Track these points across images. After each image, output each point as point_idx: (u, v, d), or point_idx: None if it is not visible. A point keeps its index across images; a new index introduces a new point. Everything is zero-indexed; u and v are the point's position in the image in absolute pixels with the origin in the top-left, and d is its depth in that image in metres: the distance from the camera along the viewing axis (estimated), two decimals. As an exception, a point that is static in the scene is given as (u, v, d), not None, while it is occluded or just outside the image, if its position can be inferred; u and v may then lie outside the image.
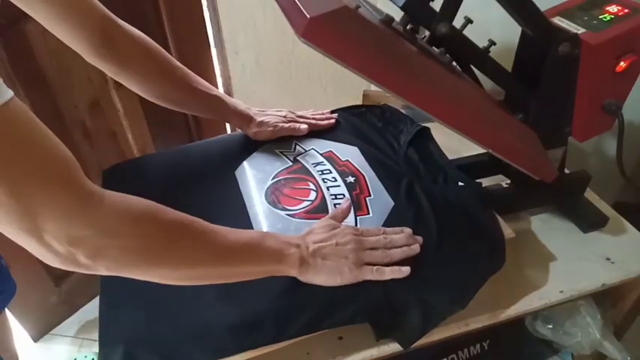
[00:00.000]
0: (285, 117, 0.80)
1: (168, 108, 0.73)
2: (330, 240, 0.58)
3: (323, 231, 0.60)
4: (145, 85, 0.69)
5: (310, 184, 0.71)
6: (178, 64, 0.71)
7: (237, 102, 0.78)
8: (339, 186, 0.70)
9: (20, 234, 0.39)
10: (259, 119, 0.78)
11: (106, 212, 0.43)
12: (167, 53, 0.70)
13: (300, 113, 0.83)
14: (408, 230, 0.63)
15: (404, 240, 0.61)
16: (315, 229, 0.60)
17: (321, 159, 0.75)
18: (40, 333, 1.02)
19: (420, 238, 0.62)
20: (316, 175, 0.72)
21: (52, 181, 0.39)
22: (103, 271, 0.44)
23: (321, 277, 0.56)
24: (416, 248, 0.61)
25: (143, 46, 0.67)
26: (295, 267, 0.55)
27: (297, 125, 0.78)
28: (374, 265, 0.58)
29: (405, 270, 0.58)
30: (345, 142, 0.79)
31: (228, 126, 1.34)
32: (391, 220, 0.65)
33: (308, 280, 0.57)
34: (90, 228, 0.41)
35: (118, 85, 0.99)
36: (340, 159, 0.75)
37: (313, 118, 0.83)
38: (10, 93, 0.37)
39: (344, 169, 0.73)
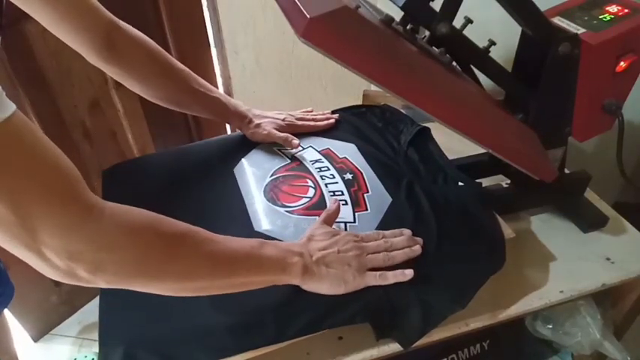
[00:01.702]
0: (284, 120, 0.80)
1: (170, 108, 0.73)
2: (332, 247, 0.58)
3: (324, 238, 0.59)
4: (146, 87, 0.70)
5: (308, 181, 0.71)
6: (180, 65, 0.72)
7: (238, 103, 0.78)
8: (337, 183, 0.70)
9: (19, 247, 0.39)
10: (257, 121, 0.78)
11: (106, 226, 0.42)
12: (168, 55, 0.70)
13: (299, 115, 0.83)
14: (407, 232, 0.63)
15: (404, 242, 0.61)
16: (316, 235, 0.60)
17: (319, 156, 0.75)
18: (40, 333, 1.02)
19: (420, 240, 0.62)
20: (314, 172, 0.72)
21: (53, 195, 0.39)
22: (104, 285, 0.44)
23: (325, 285, 0.56)
24: (417, 249, 0.60)
25: (145, 49, 0.68)
26: (298, 276, 0.55)
27: (290, 139, 0.77)
28: (377, 269, 0.58)
29: (409, 273, 0.58)
30: (342, 140, 0.79)
31: (228, 126, 1.34)
32: (389, 216, 0.65)
33: (311, 289, 0.56)
34: (89, 243, 0.41)
35: (118, 85, 0.99)
36: (338, 156, 0.75)
37: (313, 120, 0.83)
38: (12, 107, 0.37)
39: (342, 167, 0.73)
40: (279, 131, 0.78)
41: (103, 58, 0.64)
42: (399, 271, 0.58)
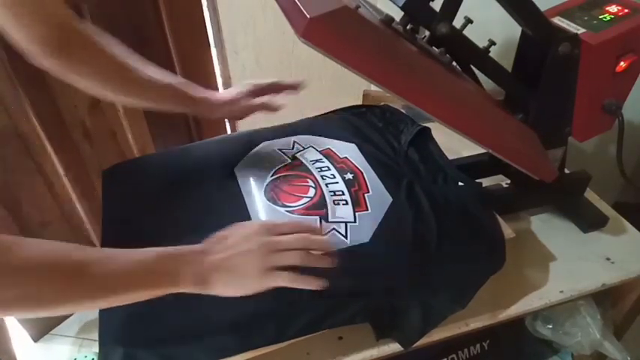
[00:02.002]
0: (243, 87, 0.76)
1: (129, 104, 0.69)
2: (233, 248, 0.53)
3: (230, 237, 0.55)
4: (96, 86, 0.65)
5: (309, 180, 0.71)
6: (129, 54, 0.66)
7: (199, 89, 0.71)
8: (337, 182, 0.70)
9: None
10: (221, 99, 0.73)
11: None
12: (119, 46, 0.65)
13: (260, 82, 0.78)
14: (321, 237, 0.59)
15: (322, 245, 0.56)
16: (220, 234, 0.56)
17: (320, 156, 0.75)
18: (40, 333, 1.02)
19: (334, 248, 0.58)
20: (315, 172, 0.72)
21: None
22: None
23: (222, 290, 0.53)
24: (332, 262, 0.55)
25: (94, 45, 0.62)
26: (190, 286, 0.52)
27: (272, 101, 0.73)
28: (288, 267, 0.54)
29: (320, 284, 0.53)
30: (343, 140, 0.79)
31: (228, 127, 1.34)
32: (390, 216, 0.65)
33: (212, 293, 0.53)
34: None
35: (118, 85, 0.99)
36: (339, 156, 0.76)
37: (277, 84, 0.78)
38: None
39: (342, 167, 0.73)
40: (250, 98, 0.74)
41: (53, 59, 0.60)
42: (311, 278, 0.53)
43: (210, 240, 0.55)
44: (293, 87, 0.78)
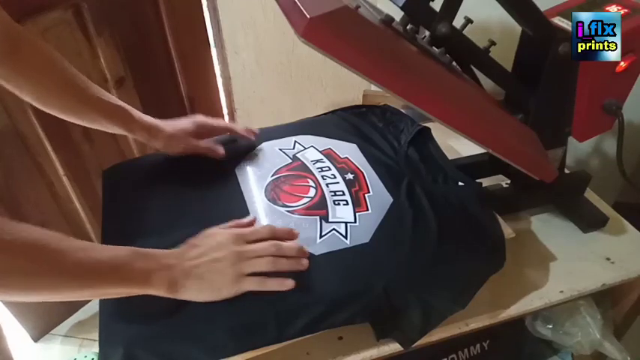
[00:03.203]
0: (195, 122, 0.75)
1: (80, 121, 0.68)
2: (206, 255, 0.55)
3: (203, 244, 0.57)
4: (43, 94, 0.64)
5: (310, 180, 0.71)
6: (78, 73, 0.66)
7: (143, 115, 0.72)
8: (338, 183, 0.70)
9: None
10: (169, 130, 0.72)
11: None
12: (69, 64, 0.65)
13: (212, 119, 0.78)
14: (297, 232, 0.61)
15: (294, 251, 0.58)
16: (193, 241, 0.57)
17: (320, 156, 0.75)
18: (40, 333, 1.02)
19: (307, 253, 0.60)
20: (315, 172, 0.72)
21: None
22: None
23: (194, 295, 0.54)
24: (305, 264, 0.58)
25: (47, 55, 0.63)
26: (163, 289, 0.53)
27: (214, 148, 0.73)
28: (258, 273, 0.56)
29: (289, 283, 0.55)
30: (344, 140, 0.79)
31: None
32: (390, 217, 0.65)
33: (184, 298, 0.55)
34: None
35: (119, 85, 0.99)
36: (339, 156, 0.76)
37: (231, 129, 0.78)
38: None
39: (343, 167, 0.73)
40: (197, 137, 0.73)
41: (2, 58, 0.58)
42: (279, 279, 0.56)
43: (183, 247, 0.57)
44: (245, 137, 0.77)
